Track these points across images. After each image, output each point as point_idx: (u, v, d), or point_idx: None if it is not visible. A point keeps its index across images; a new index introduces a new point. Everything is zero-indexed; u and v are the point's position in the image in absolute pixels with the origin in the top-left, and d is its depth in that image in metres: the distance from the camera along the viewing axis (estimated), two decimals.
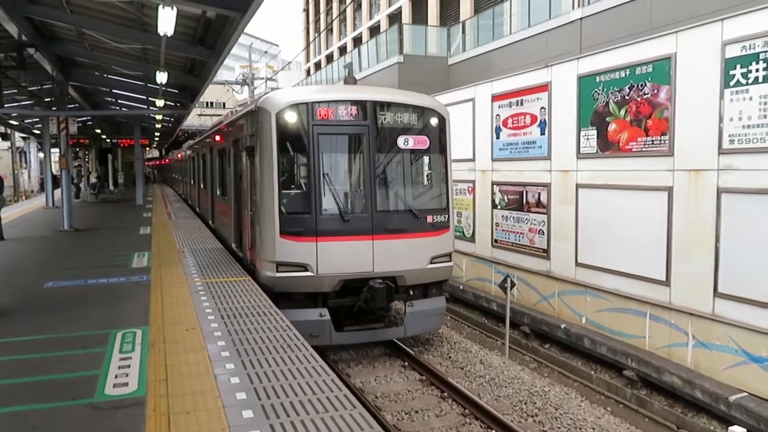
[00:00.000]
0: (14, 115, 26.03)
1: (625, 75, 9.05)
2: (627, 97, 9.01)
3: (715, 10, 10.41)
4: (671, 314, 8.42)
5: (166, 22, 8.81)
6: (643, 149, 8.78)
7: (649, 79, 8.64)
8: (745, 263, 7.42)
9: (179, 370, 4.96)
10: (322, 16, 52.78)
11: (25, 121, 30.36)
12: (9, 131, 33.42)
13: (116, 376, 4.84)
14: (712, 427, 7.47)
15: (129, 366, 5.08)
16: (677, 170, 8.29)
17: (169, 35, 9.71)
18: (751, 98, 7.25)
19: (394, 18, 34.82)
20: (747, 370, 7.38)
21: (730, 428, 6.41)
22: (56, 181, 24.70)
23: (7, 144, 37.45)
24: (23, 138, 42.64)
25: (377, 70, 25.98)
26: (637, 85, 8.82)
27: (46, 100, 19.90)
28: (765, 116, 7.09)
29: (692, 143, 8.06)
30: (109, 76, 18.22)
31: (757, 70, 7.16)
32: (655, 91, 8.54)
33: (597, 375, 9.24)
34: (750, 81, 7.25)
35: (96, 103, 24.07)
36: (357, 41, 41.80)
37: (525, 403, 7.61)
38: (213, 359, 5.21)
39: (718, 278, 7.73)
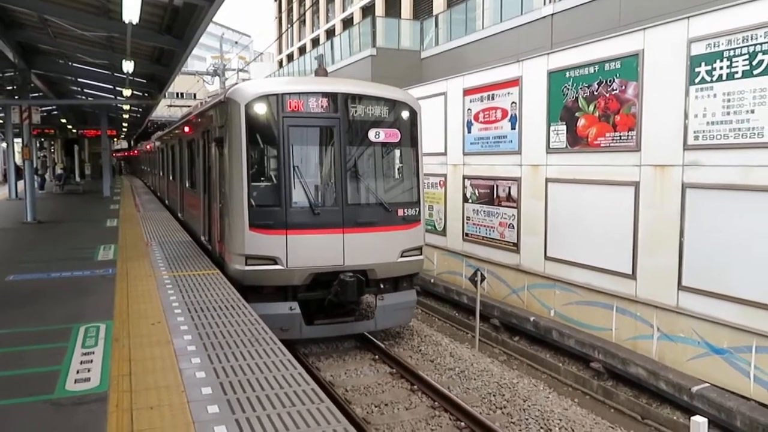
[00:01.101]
0: None
1: (594, 71, 9.15)
2: (596, 93, 9.11)
3: (683, 8, 10.58)
4: (637, 307, 8.57)
5: (131, 9, 8.59)
6: (611, 144, 8.90)
7: (618, 75, 8.75)
8: (708, 257, 7.59)
9: (144, 365, 4.86)
10: (295, 6, 52.28)
11: None
12: None
13: (78, 372, 4.72)
14: (675, 417, 7.64)
15: (91, 361, 4.96)
16: (644, 165, 8.42)
17: (134, 23, 9.47)
18: (715, 95, 7.39)
19: (368, 10, 34.67)
20: (709, 362, 7.56)
21: (693, 418, 6.54)
22: (19, 172, 24.06)
23: None
24: None
25: (350, 63, 25.83)
26: (606, 81, 8.93)
27: (7, 88, 19.31)
28: (728, 113, 7.25)
29: (658, 139, 8.19)
30: (74, 64, 17.74)
31: (721, 68, 7.30)
32: (623, 87, 8.65)
33: (565, 367, 9.37)
34: (714, 78, 7.39)
35: (61, 92, 23.45)
36: (330, 33, 41.52)
37: (494, 395, 7.67)
38: (179, 354, 5.12)
39: (682, 272, 7.90)
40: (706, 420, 6.09)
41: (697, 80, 7.59)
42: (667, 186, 8.09)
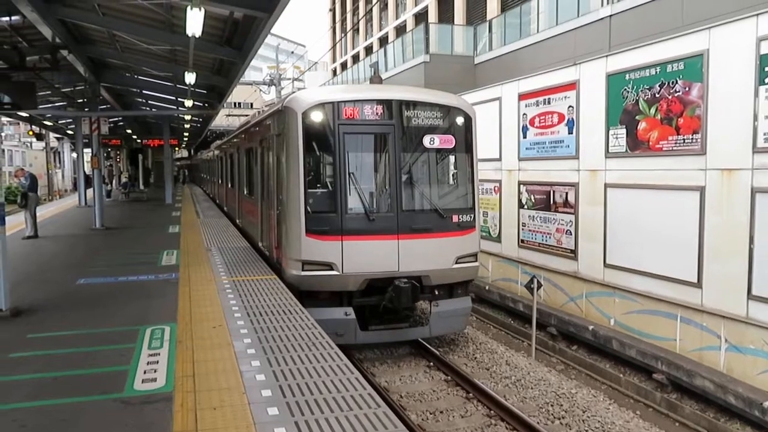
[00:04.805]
0: (48, 115, 26.70)
1: (656, 72, 8.88)
2: (657, 95, 8.84)
3: (750, 5, 10.15)
4: (703, 317, 8.24)
5: (195, 23, 8.92)
6: (674, 148, 8.61)
7: (681, 76, 8.46)
8: None
9: (206, 366, 5.02)
10: (349, 16, 52.93)
11: (59, 122, 31.09)
12: (44, 132, 34.28)
13: (145, 372, 4.92)
14: None
15: (157, 362, 5.16)
16: (709, 169, 8.10)
17: (197, 36, 9.83)
18: None
19: (420, 17, 34.74)
20: None
21: None
22: (89, 181, 25.24)
23: (42, 144, 38.38)
24: (57, 138, 43.70)
25: (403, 70, 25.95)
26: (668, 83, 8.65)
27: (78, 101, 20.34)
28: None
29: (725, 142, 7.88)
30: (139, 77, 18.55)
31: None
32: (687, 89, 8.36)
33: (626, 378, 9.09)
34: None
35: (127, 103, 24.52)
36: (383, 41, 41.82)
37: (551, 405, 7.52)
38: (239, 356, 5.26)
39: (752, 280, 7.54)
40: None
41: (767, 80, 7.26)
42: (734, 190, 7.76)
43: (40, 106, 21.48)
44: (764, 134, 7.32)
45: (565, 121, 10.91)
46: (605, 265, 10.05)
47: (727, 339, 7.88)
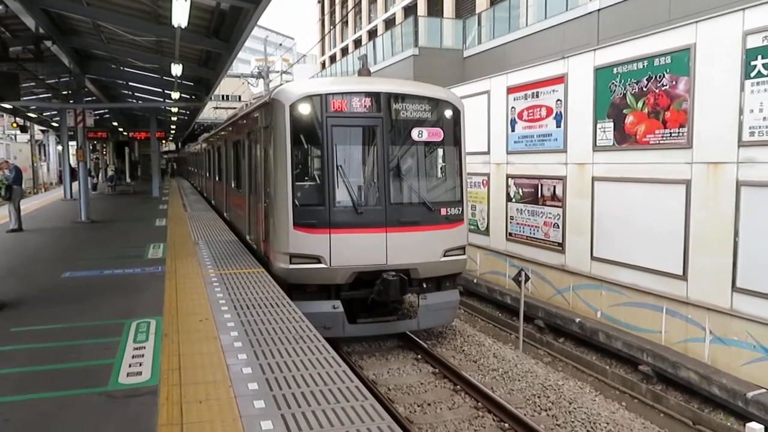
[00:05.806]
0: (33, 107, 26.33)
1: (643, 66, 8.91)
2: (645, 89, 8.88)
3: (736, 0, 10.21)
4: (688, 309, 8.31)
5: (180, 13, 8.81)
6: (661, 142, 8.65)
7: (668, 70, 8.50)
8: (764, 258, 7.29)
9: (192, 359, 4.98)
10: (338, 8, 52.68)
11: (44, 114, 30.70)
12: (28, 124, 33.81)
13: (130, 365, 4.88)
14: (729, 424, 7.38)
15: (143, 355, 5.11)
16: (696, 163, 8.16)
17: (183, 27, 9.71)
18: None
19: (410, 10, 34.64)
20: (766, 366, 7.27)
21: (748, 425, 6.31)
22: (74, 174, 24.99)
23: (27, 137, 37.90)
24: (42, 131, 43.16)
25: (392, 63, 25.87)
26: (656, 77, 8.69)
27: (63, 93, 20.07)
28: None
29: (711, 136, 7.93)
30: (125, 68, 18.32)
31: None
32: (674, 83, 8.40)
33: (612, 370, 9.16)
34: None
35: (113, 95, 24.23)
36: (372, 34, 41.68)
37: (538, 397, 7.56)
38: (226, 349, 5.23)
39: (737, 273, 7.62)
40: (762, 427, 5.88)
41: (753, 74, 7.31)
42: (720, 184, 7.82)
43: (24, 98, 21.18)
44: (750, 128, 7.38)
45: (553, 115, 10.93)
46: (592, 258, 10.11)
47: (712, 331, 7.96)
